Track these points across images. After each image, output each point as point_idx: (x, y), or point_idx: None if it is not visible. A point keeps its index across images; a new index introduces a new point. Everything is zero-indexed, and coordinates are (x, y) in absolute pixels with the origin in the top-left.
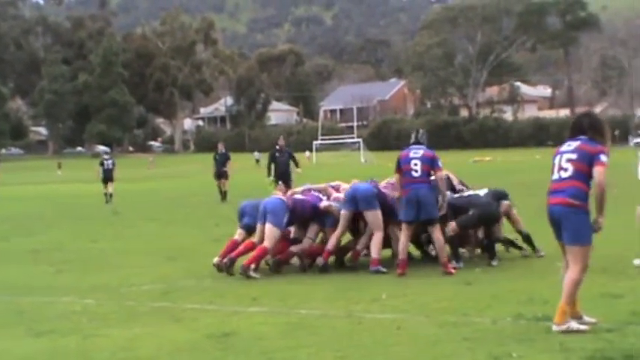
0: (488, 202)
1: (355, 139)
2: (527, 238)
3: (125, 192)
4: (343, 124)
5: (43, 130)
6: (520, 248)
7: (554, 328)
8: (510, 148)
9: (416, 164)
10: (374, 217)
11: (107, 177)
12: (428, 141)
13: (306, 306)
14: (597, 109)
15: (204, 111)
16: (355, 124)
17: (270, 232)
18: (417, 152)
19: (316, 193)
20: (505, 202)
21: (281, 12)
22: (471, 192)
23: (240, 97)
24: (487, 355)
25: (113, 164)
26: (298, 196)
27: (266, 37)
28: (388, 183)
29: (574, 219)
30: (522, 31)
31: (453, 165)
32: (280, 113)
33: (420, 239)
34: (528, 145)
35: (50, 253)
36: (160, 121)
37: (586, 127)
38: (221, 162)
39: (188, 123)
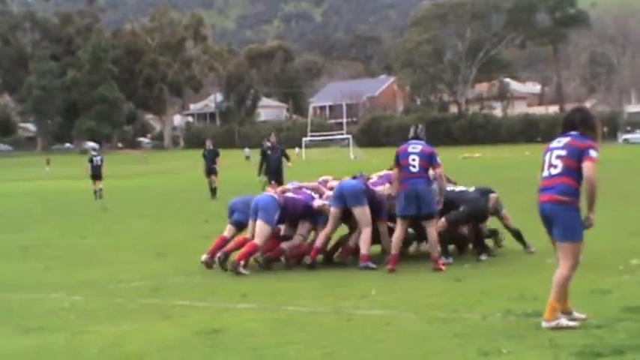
0: (477, 197)
1: (345, 136)
2: (517, 235)
3: (114, 188)
4: (333, 121)
5: (31, 127)
6: (500, 241)
7: (544, 324)
8: (500, 145)
9: (414, 159)
10: (362, 213)
11: (96, 173)
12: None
13: (295, 303)
14: (586, 106)
15: (193, 107)
16: (345, 120)
17: (260, 229)
18: (415, 147)
19: (308, 192)
20: (493, 195)
21: (270, 8)
22: (461, 187)
23: (230, 93)
24: (477, 352)
25: (102, 160)
26: (290, 195)
27: (255, 33)
28: (378, 177)
29: (564, 215)
30: (512, 28)
31: (442, 161)
32: (270, 110)
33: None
34: (518, 141)
35: (39, 250)
36: (149, 117)
37: (577, 122)
38: (210, 158)
39: (177, 119)
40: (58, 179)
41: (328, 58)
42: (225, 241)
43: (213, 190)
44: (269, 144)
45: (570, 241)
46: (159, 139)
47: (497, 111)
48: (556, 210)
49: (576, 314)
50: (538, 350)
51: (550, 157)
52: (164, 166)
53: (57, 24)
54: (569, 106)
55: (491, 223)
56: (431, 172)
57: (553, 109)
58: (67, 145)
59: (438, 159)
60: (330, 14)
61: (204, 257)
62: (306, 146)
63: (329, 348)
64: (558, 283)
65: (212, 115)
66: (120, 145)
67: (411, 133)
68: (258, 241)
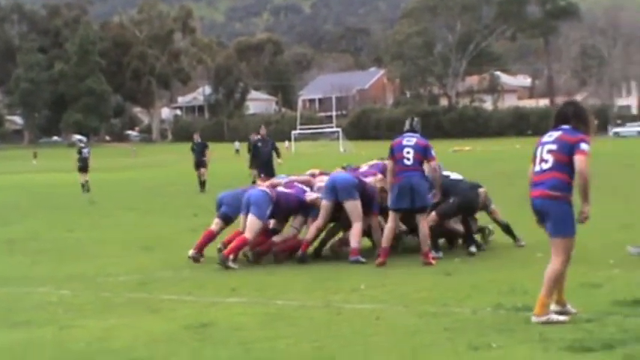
0: (468, 189)
1: (334, 129)
2: (506, 229)
3: (102, 181)
4: (322, 114)
5: (18, 120)
6: (488, 236)
7: (534, 319)
8: (490, 138)
9: (408, 152)
10: (353, 207)
11: (85, 166)
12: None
13: (285, 297)
14: (577, 99)
15: (182, 100)
16: (334, 113)
17: (251, 224)
18: (410, 140)
19: (300, 185)
20: (482, 190)
21: (259, 1)
22: (457, 175)
23: (219, 86)
24: (467, 346)
25: (89, 153)
26: (282, 189)
27: (244, 25)
28: (369, 166)
29: (556, 210)
30: (502, 20)
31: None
32: (259, 102)
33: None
34: (508, 134)
35: (26, 243)
36: (137, 110)
37: (570, 115)
38: (199, 151)
39: (166, 112)
40: (45, 172)
41: (318, 50)
42: (212, 235)
43: (203, 183)
44: (259, 136)
45: (562, 236)
46: (147, 132)
47: (488, 104)
48: (547, 205)
49: (569, 307)
50: (528, 344)
51: (541, 152)
52: (152, 160)
53: (44, 16)
54: (559, 99)
55: (480, 218)
56: (425, 165)
57: (544, 102)
58: (55, 138)
59: (433, 152)
60: (319, 6)
61: (191, 253)
62: (296, 139)
63: (319, 342)
64: (550, 278)
65: (200, 108)
66: (107, 138)
67: (407, 126)
68: (248, 235)
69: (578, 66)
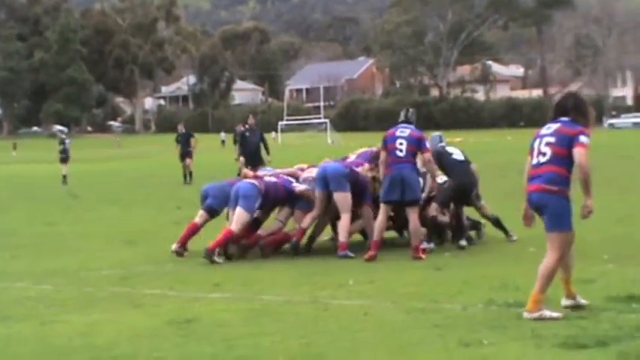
0: (463, 173)
1: (322, 120)
2: (497, 223)
3: (84, 173)
4: (310, 104)
5: None
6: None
7: (526, 315)
8: (482, 129)
9: (401, 143)
10: (343, 198)
11: (67, 157)
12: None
13: (270, 292)
14: (571, 89)
15: (165, 90)
16: (322, 104)
17: (239, 217)
18: (403, 131)
19: (286, 177)
20: (473, 165)
21: None
22: (457, 153)
23: (204, 75)
24: (457, 342)
25: (69, 144)
26: (270, 179)
27: (230, 13)
28: (357, 155)
29: (552, 204)
30: (494, 9)
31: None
32: (245, 93)
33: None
34: (500, 125)
35: (5, 238)
36: (119, 100)
37: (569, 108)
38: (184, 142)
39: (149, 102)
40: (25, 164)
41: (305, 39)
42: (196, 227)
43: (189, 174)
44: (247, 126)
45: (558, 231)
46: (130, 122)
47: (480, 94)
48: (544, 199)
49: (580, 300)
50: (520, 341)
51: (539, 145)
52: (135, 151)
53: (24, 3)
54: (553, 90)
55: (471, 213)
56: (419, 157)
57: (537, 92)
58: (35, 128)
59: (427, 144)
60: None
61: (174, 247)
62: (282, 130)
63: (305, 338)
64: (543, 274)
65: (185, 98)
66: (89, 128)
67: (402, 117)
68: (234, 227)
69: (572, 56)
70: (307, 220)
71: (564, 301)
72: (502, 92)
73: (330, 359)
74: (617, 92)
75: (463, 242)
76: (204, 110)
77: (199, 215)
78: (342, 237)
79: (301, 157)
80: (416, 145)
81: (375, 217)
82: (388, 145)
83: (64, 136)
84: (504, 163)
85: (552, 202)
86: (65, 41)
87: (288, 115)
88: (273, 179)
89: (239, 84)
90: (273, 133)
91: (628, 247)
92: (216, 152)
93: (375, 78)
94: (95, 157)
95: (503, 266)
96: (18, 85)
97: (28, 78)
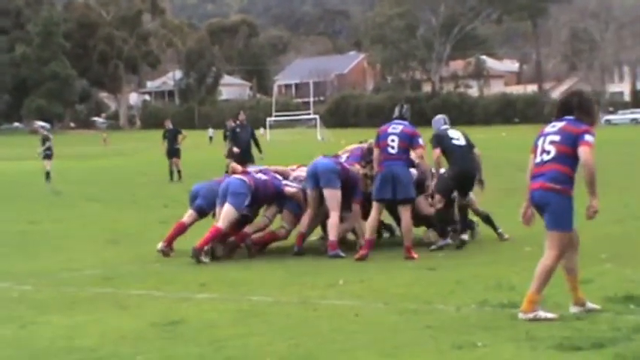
0: (463, 159)
1: (311, 116)
2: (486, 219)
3: (67, 170)
4: (299, 100)
5: None
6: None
7: (520, 315)
8: (475, 126)
9: (393, 140)
10: (332, 196)
11: (51, 153)
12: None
13: (258, 292)
14: (567, 85)
15: (151, 85)
16: (312, 99)
17: (227, 213)
18: (395, 128)
19: (275, 175)
20: (477, 150)
21: None
22: (459, 138)
23: (190, 70)
24: (450, 344)
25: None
26: (260, 176)
27: (217, 6)
28: (350, 152)
29: (554, 203)
30: (488, 2)
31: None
32: (232, 88)
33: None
34: (494, 122)
35: None
36: (103, 95)
37: (574, 106)
38: (171, 138)
39: (134, 98)
40: (5, 160)
41: (294, 33)
42: (183, 227)
43: (178, 173)
44: (238, 122)
45: (559, 230)
46: (114, 118)
47: (473, 90)
48: (547, 197)
49: (590, 305)
50: (515, 343)
51: (543, 143)
52: (120, 148)
53: None
54: (548, 85)
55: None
56: (412, 153)
57: (532, 88)
58: (16, 124)
59: (420, 140)
60: None
61: (160, 245)
62: (271, 127)
63: (294, 340)
64: (540, 274)
65: (170, 94)
66: (72, 124)
67: (396, 113)
68: (222, 224)
69: (568, 50)
70: (304, 222)
71: (572, 308)
72: (496, 88)
73: None
74: (614, 88)
75: (465, 236)
76: (190, 106)
77: (188, 215)
78: (332, 236)
79: (290, 154)
80: (408, 142)
81: (368, 214)
82: (380, 142)
83: (46, 132)
84: (499, 160)
85: (554, 200)
86: (47, 35)
87: (276, 111)
88: (264, 177)
89: (226, 79)
90: (261, 130)
91: (626, 246)
92: (203, 149)
93: (366, 73)
94: (79, 153)
95: (498, 266)
96: None
97: (9, 72)
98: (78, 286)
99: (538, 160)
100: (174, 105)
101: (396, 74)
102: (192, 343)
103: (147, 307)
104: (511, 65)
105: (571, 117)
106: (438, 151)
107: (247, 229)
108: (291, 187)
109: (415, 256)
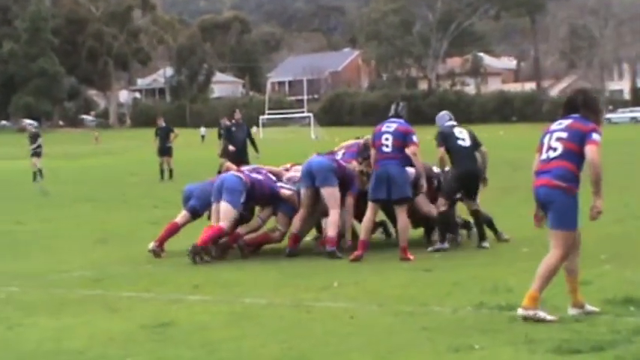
0: (467, 157)
1: (305, 114)
2: (489, 223)
3: (56, 169)
4: (292, 98)
5: None
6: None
7: (520, 312)
8: (473, 124)
9: (387, 139)
10: (330, 194)
11: (41, 151)
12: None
13: (251, 294)
14: (565, 83)
15: (141, 82)
16: (305, 97)
17: (226, 212)
18: (389, 126)
19: (270, 175)
20: (483, 149)
21: None
22: (464, 137)
23: (181, 67)
24: (447, 347)
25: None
26: (255, 175)
27: (209, 3)
28: (346, 148)
29: (559, 201)
30: None
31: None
32: (224, 85)
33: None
34: (492, 120)
35: None
36: (93, 93)
37: (580, 104)
38: (163, 137)
39: (124, 95)
40: None
41: (288, 29)
42: (176, 227)
43: (170, 172)
44: (233, 121)
45: (563, 229)
46: (103, 116)
47: (470, 88)
48: (552, 195)
49: (589, 307)
50: (512, 346)
51: (549, 140)
52: (110, 146)
53: None
54: (546, 83)
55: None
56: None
57: (530, 85)
58: (3, 122)
59: (414, 137)
60: None
61: (151, 245)
62: (264, 125)
63: (288, 342)
64: (543, 273)
65: (161, 91)
66: (61, 122)
67: (392, 111)
68: (223, 224)
69: (567, 47)
70: (296, 224)
71: (571, 311)
72: (494, 85)
73: None
74: (613, 86)
75: (486, 244)
76: (181, 104)
77: (181, 215)
78: (331, 232)
79: (284, 152)
80: (402, 140)
81: (363, 214)
82: (375, 141)
83: (35, 129)
84: (496, 158)
85: (559, 198)
86: (35, 31)
87: (269, 108)
88: (259, 176)
89: (218, 76)
90: (254, 128)
91: (626, 246)
92: (195, 148)
93: (361, 70)
94: (68, 152)
95: (495, 268)
96: None
97: None
98: (66, 287)
99: (544, 157)
100: (165, 103)
101: (391, 71)
102: (183, 346)
103: (137, 309)
104: (509, 62)
105: (577, 115)
106: (442, 149)
107: (240, 229)
108: (286, 190)
109: (411, 257)
